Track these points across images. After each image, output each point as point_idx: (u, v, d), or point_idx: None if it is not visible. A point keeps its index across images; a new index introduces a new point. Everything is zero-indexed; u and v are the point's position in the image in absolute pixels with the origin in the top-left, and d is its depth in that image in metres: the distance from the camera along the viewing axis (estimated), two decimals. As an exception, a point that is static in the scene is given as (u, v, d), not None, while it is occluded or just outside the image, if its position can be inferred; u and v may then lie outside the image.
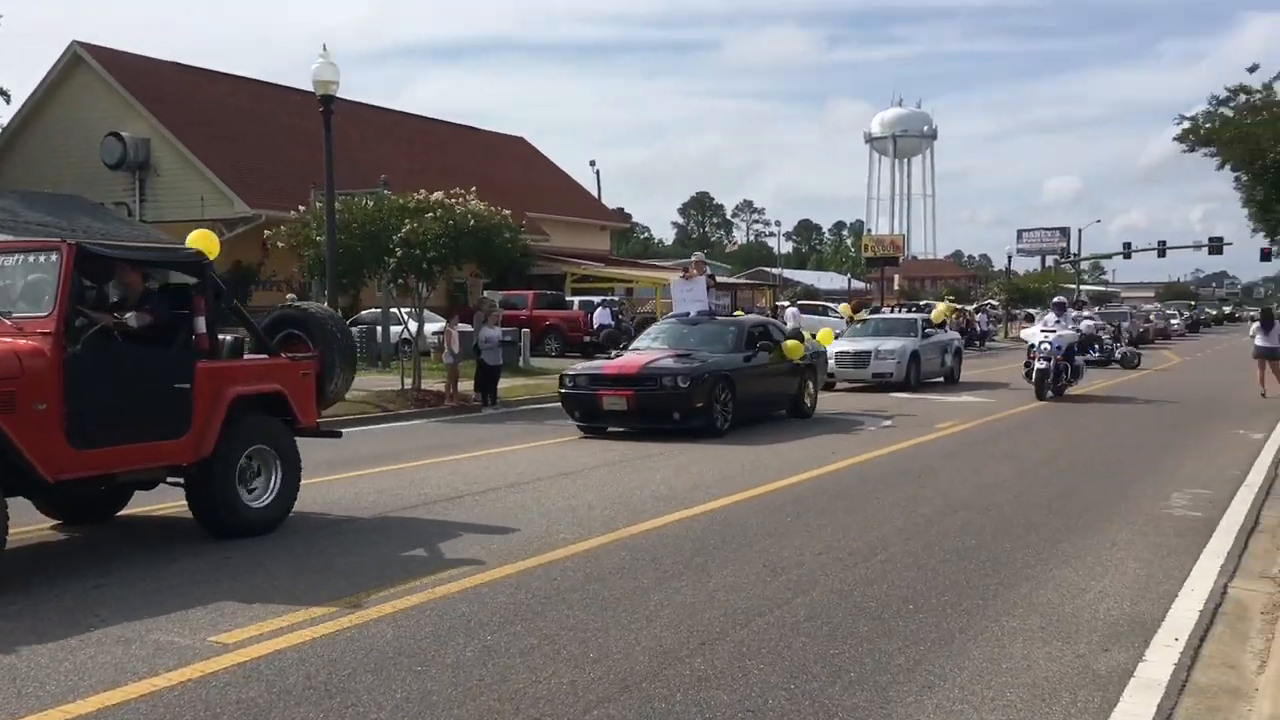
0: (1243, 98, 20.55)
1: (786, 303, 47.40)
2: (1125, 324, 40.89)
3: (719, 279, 62.62)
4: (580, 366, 16.27)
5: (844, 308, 35.72)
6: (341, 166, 31.13)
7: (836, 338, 24.01)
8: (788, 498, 10.01)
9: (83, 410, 7.16)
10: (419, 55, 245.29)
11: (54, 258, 7.37)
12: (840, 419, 17.24)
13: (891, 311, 53.81)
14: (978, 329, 48.36)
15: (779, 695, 4.98)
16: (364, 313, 31.29)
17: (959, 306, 51.36)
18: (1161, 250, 73.73)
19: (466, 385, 19.69)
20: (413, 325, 21.01)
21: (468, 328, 21.05)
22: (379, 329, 28.34)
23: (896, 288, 79.10)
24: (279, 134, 35.62)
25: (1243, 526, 8.80)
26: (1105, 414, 18.15)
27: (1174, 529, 8.69)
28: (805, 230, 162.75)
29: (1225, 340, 60.39)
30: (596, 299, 35.80)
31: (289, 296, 24.31)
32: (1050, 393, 19.52)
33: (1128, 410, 18.84)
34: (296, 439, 8.86)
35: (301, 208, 20.91)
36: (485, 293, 30.60)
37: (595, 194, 58.52)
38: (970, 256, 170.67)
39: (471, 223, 18.77)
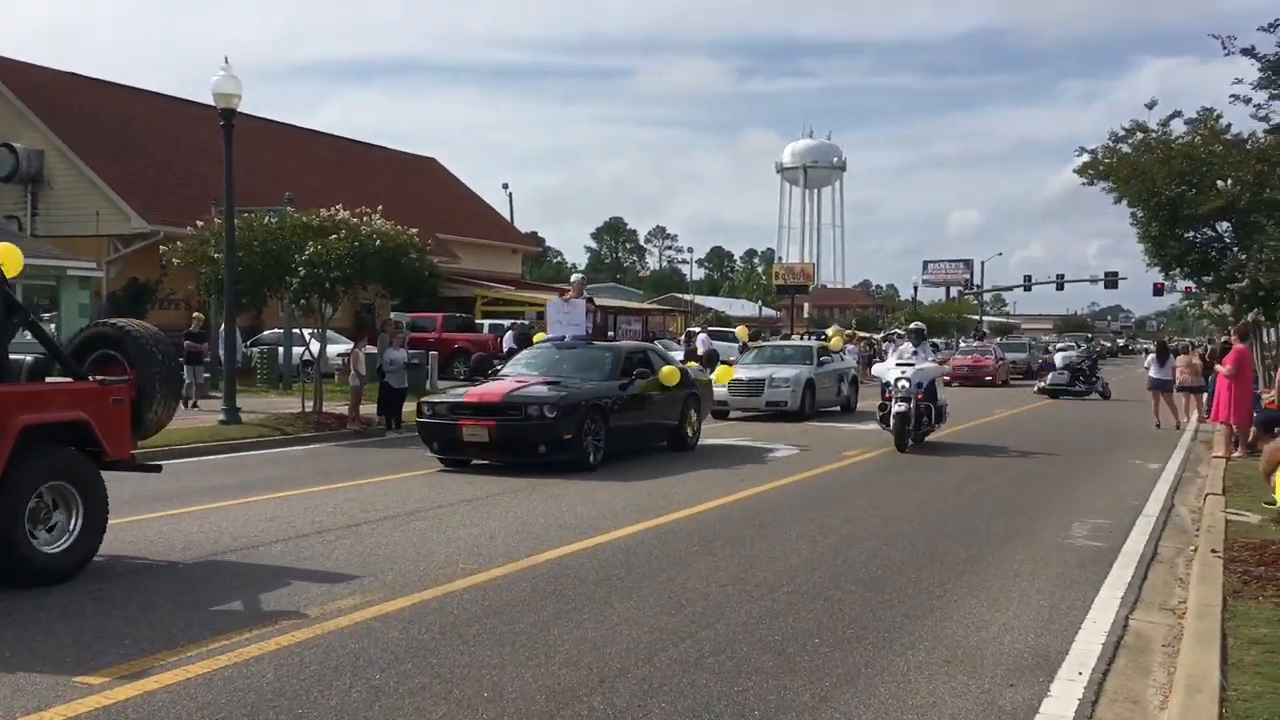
0: (1139, 135, 21.12)
1: (698, 328, 47.58)
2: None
3: (635, 304, 62.72)
4: (441, 394, 15.30)
5: (740, 330, 35.24)
6: (246, 183, 30.41)
7: (731, 363, 23.77)
8: (693, 526, 9.85)
9: None
10: (330, 74, 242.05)
11: None
12: (723, 451, 16.42)
13: (800, 339, 54.45)
14: (884, 358, 49.00)
15: (680, 736, 4.78)
16: (266, 333, 30.55)
17: (860, 334, 52.12)
18: (1060, 284, 75.99)
19: (371, 408, 19.24)
20: (315, 346, 20.48)
21: (374, 350, 20.62)
22: (281, 349, 27.65)
23: (806, 315, 79.94)
24: (181, 149, 34.66)
25: (1142, 556, 8.88)
26: (1008, 443, 18.39)
27: (1075, 559, 8.73)
28: (717, 257, 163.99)
29: (1121, 372, 62.22)
30: (507, 322, 35.47)
31: (195, 316, 23.53)
32: (910, 441, 16.19)
33: (1031, 438, 19.13)
34: (122, 472, 8.09)
35: (200, 223, 20.28)
36: (391, 314, 30.09)
37: (508, 217, 58.15)
38: (878, 286, 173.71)
39: (377, 242, 18.38)
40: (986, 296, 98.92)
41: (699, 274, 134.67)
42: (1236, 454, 15.29)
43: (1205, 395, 22.29)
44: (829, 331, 28.42)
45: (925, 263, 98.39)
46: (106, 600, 6.95)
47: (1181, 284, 31.08)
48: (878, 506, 11.19)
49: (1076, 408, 29.06)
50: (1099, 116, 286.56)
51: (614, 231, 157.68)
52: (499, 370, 16.02)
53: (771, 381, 22.38)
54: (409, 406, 17.82)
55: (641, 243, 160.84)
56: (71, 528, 7.56)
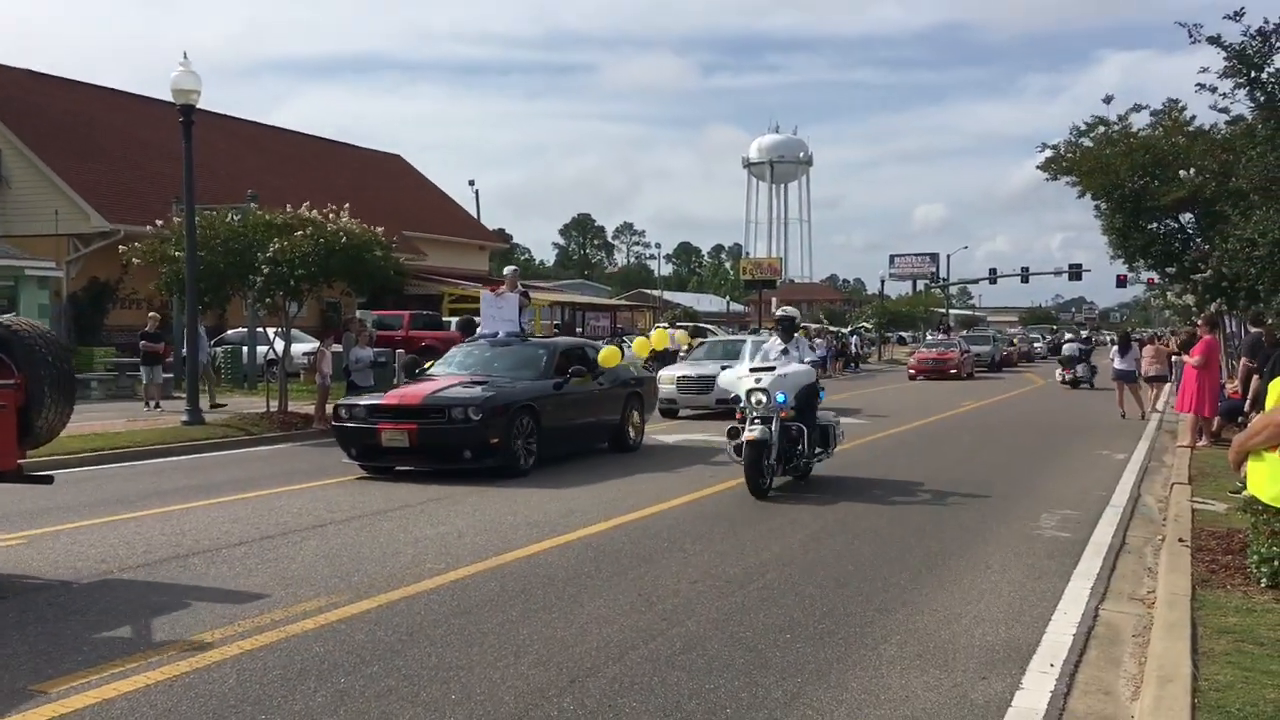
0: (1101, 129, 21.29)
1: (666, 324, 47.54)
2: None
3: (603, 301, 62.59)
4: (359, 396, 14.35)
5: (680, 335, 29.85)
6: (208, 181, 30.11)
7: (681, 358, 22.99)
8: (663, 523, 9.79)
9: None
10: (293, 71, 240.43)
11: None
12: (667, 451, 15.53)
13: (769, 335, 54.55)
14: (852, 351, 49.27)
15: (651, 736, 4.72)
16: (230, 332, 30.22)
17: (830, 328, 52.28)
18: (1025, 276, 76.44)
19: (336, 408, 19.05)
20: (279, 345, 20.25)
21: (340, 348, 20.41)
22: (245, 349, 27.36)
23: (774, 310, 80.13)
24: (141, 147, 34.24)
25: (1110, 546, 8.90)
26: (974, 432, 18.48)
27: (1045, 550, 8.74)
28: (685, 253, 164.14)
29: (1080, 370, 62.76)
30: (476, 319, 35.22)
31: (150, 315, 23.21)
32: (773, 479, 11.30)
33: (998, 431, 19.23)
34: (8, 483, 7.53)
35: (160, 222, 20.00)
36: (357, 312, 29.86)
37: (474, 214, 57.90)
38: (845, 280, 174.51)
39: (343, 240, 18.19)
40: (953, 290, 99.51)
41: (667, 269, 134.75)
42: (1201, 444, 15.42)
43: (1169, 385, 22.56)
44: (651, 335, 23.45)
45: (892, 256, 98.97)
46: (64, 606, 6.80)
47: (1145, 275, 31.40)
48: (846, 501, 11.17)
49: (1043, 400, 29.27)
50: (1062, 110, 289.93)
51: (581, 228, 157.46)
52: (426, 369, 15.04)
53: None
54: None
55: (609, 239, 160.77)
56: None
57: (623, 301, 73.02)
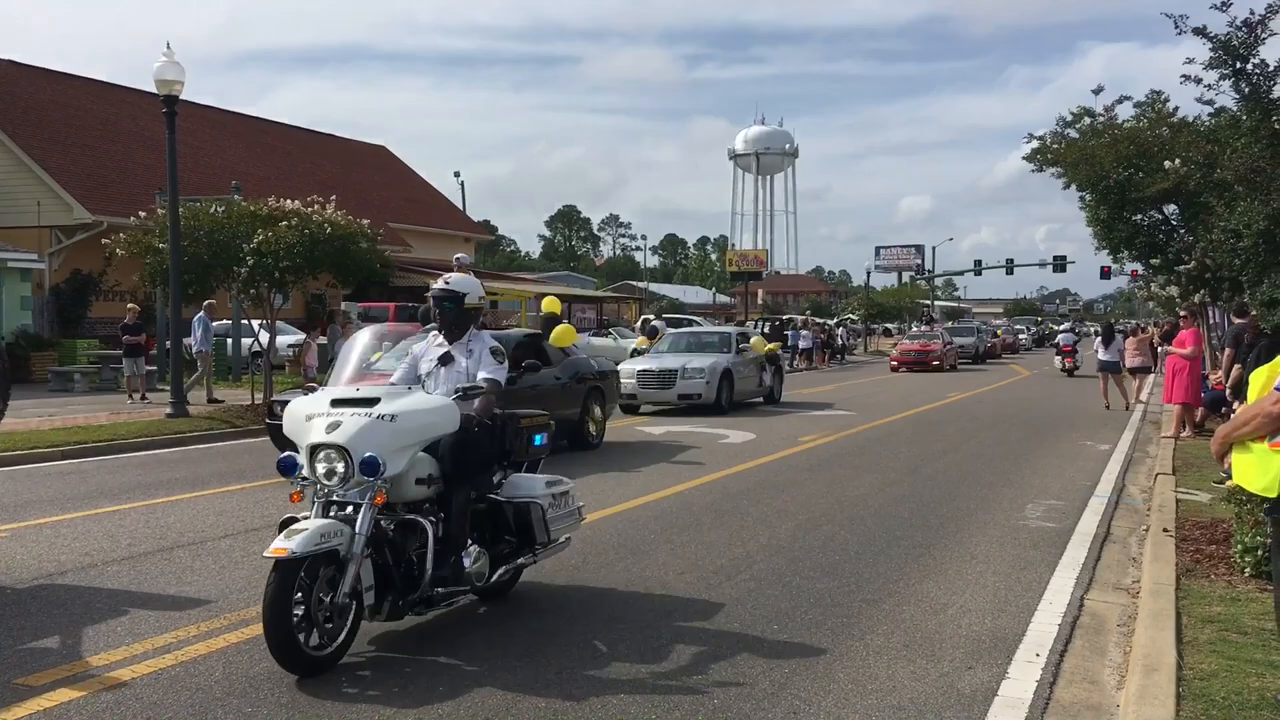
0: (1086, 120, 21.34)
1: (653, 316, 47.53)
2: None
3: (589, 293, 62.53)
4: (294, 391, 12.90)
5: (640, 341, 28.03)
6: (192, 172, 29.96)
7: (641, 353, 22.17)
8: (651, 514, 9.79)
9: None
10: (277, 62, 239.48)
11: None
12: (626, 450, 14.66)
13: (755, 327, 54.60)
14: (839, 342, 49.40)
15: (639, 727, 4.72)
16: (214, 324, 30.05)
17: (816, 320, 52.32)
18: (1010, 268, 76.72)
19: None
20: (264, 337, 20.17)
21: (326, 340, 20.35)
22: (230, 341, 27.23)
23: (760, 302, 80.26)
24: (124, 138, 34.01)
25: (1095, 537, 8.94)
26: (959, 424, 18.53)
27: (1030, 540, 8.77)
28: (671, 245, 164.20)
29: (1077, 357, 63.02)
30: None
31: (130, 307, 23.04)
32: (323, 642, 5.38)
33: (983, 422, 19.29)
34: None
35: (143, 214, 19.88)
36: (343, 304, 29.76)
37: (460, 206, 57.74)
38: (831, 272, 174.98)
39: (328, 231, 18.11)
40: (938, 281, 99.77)
41: (653, 261, 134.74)
42: (1185, 434, 15.50)
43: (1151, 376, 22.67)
44: (754, 339, 24.09)
45: (877, 248, 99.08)
46: (47, 599, 6.76)
47: (1129, 267, 31.56)
48: (833, 492, 11.19)
49: (1028, 391, 29.38)
50: (1046, 102, 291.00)
51: (567, 220, 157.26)
52: (374, 363, 14.87)
53: (684, 372, 20.51)
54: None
55: (595, 231, 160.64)
56: None
57: (609, 294, 72.96)
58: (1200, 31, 13.15)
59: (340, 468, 5.60)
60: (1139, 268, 27.86)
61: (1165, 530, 8.42)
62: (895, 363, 40.98)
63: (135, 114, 34.72)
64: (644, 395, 20.72)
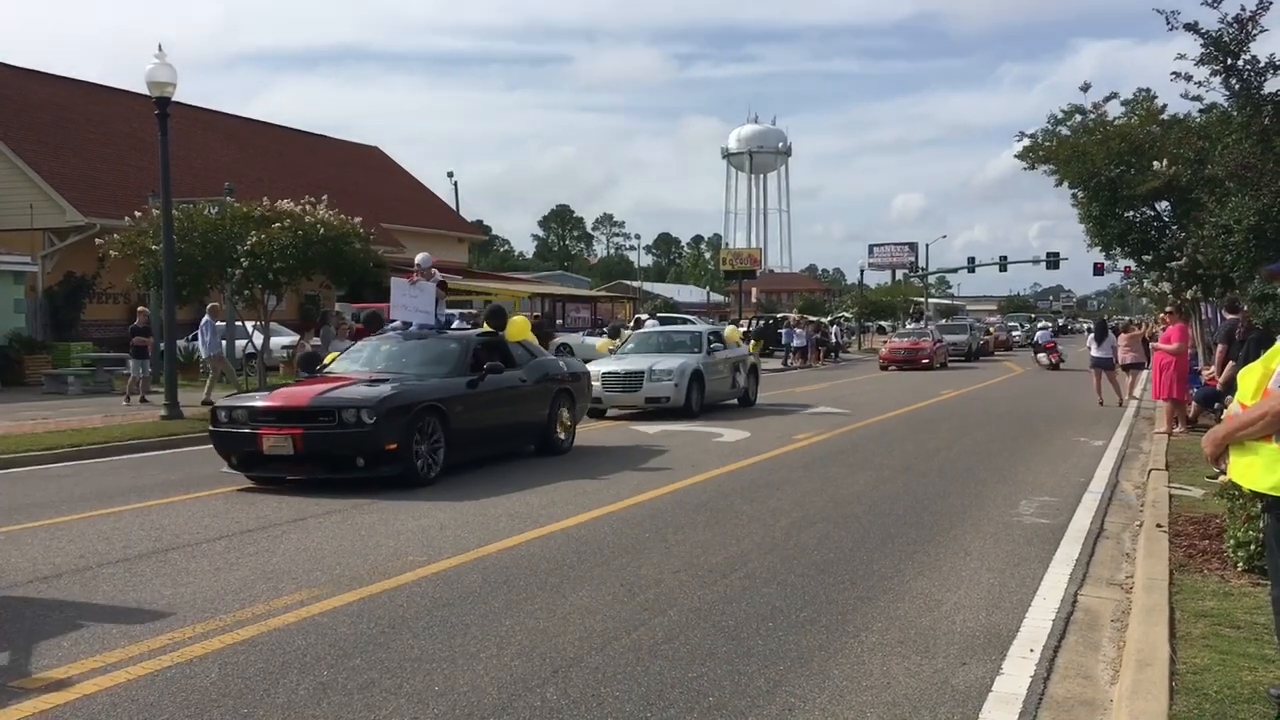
0: (1078, 118, 21.41)
1: (646, 315, 47.55)
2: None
3: (583, 292, 62.56)
4: (239, 395, 12.97)
5: (600, 344, 24.92)
6: (185, 174, 29.91)
7: (611, 352, 21.19)
8: (645, 513, 9.81)
9: None
10: (270, 63, 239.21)
11: None
12: (597, 455, 13.94)
13: (749, 326, 54.59)
14: (833, 340, 49.49)
15: (635, 725, 4.73)
16: (209, 326, 30.01)
17: (809, 318, 52.32)
18: (1003, 265, 76.64)
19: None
20: (258, 338, 20.16)
21: (320, 341, 20.32)
22: (223, 342, 27.17)
23: (754, 300, 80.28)
24: (117, 140, 33.97)
25: (1089, 532, 8.97)
26: (953, 423, 18.56)
27: (1024, 536, 8.80)
28: (665, 244, 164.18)
29: (1063, 351, 63.14)
30: (455, 312, 35.09)
31: (140, 310, 22.94)
32: None
33: (976, 419, 19.33)
34: None
35: (137, 214, 19.86)
36: (337, 305, 29.73)
37: (453, 206, 57.71)
38: (824, 270, 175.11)
39: (321, 232, 18.13)
40: (931, 279, 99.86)
41: (647, 261, 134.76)
42: (1178, 430, 15.54)
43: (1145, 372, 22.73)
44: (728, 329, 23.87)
45: (871, 246, 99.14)
46: (43, 603, 6.76)
47: (1122, 263, 31.62)
48: (828, 489, 11.22)
49: (1021, 388, 29.44)
50: (1039, 100, 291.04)
51: (561, 219, 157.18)
52: (326, 365, 13.67)
53: (651, 374, 19.35)
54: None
55: (589, 230, 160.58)
56: None
57: (603, 293, 72.96)
58: (1192, 28, 13.20)
59: None
60: (1132, 264, 27.93)
61: (1158, 526, 8.45)
62: (885, 361, 40.44)
63: (128, 116, 34.67)
64: (609, 399, 19.42)
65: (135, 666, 5.44)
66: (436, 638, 5.95)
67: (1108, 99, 21.08)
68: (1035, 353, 44.57)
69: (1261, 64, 13.14)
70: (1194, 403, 15.97)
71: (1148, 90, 21.17)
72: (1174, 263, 19.22)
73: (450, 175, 62.07)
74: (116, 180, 31.63)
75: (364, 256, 19.34)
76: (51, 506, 10.23)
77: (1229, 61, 13.19)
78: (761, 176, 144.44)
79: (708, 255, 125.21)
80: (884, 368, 39.65)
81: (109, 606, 6.63)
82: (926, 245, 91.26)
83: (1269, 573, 4.72)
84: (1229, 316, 14.57)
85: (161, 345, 20.20)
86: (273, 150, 42.55)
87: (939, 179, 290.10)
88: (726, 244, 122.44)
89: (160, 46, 17.44)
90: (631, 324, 40.71)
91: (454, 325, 15.01)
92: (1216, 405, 14.51)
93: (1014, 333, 71.73)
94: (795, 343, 42.93)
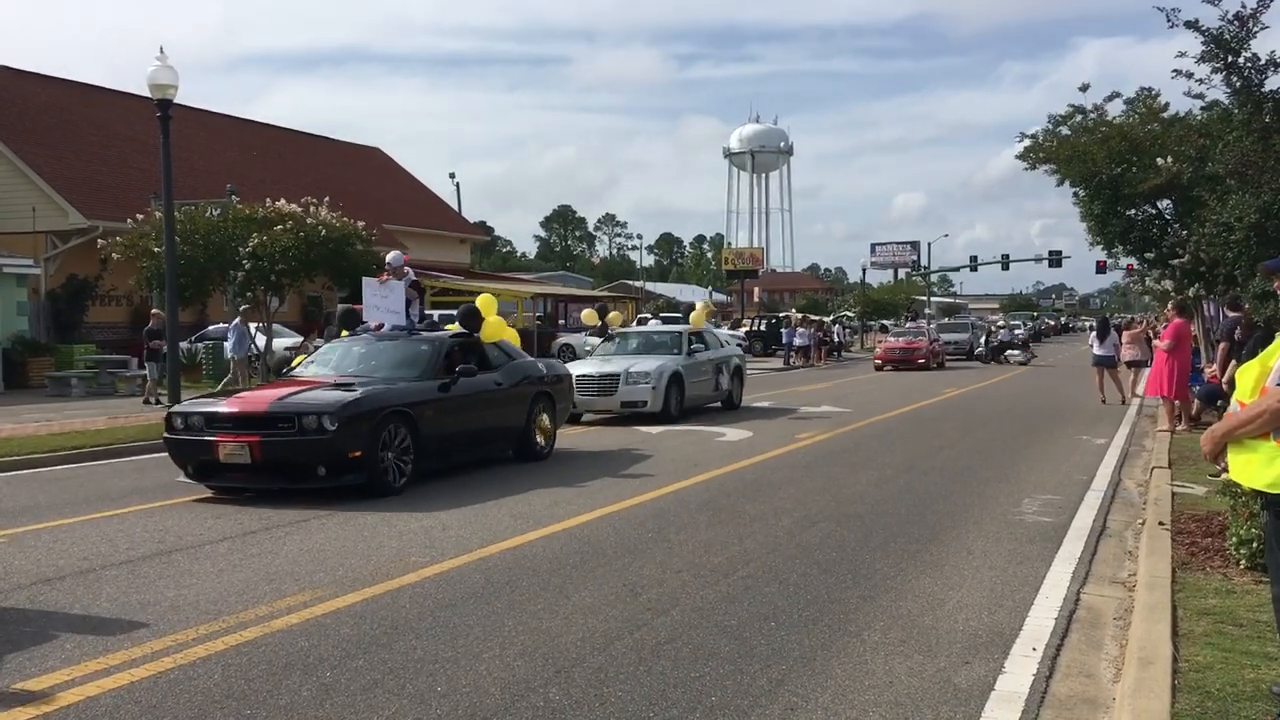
0: (1078, 117, 21.39)
1: (649, 315, 47.56)
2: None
3: (585, 292, 62.54)
4: (196, 401, 12.28)
5: (593, 320, 24.31)
6: (187, 176, 29.96)
7: (588, 353, 20.07)
8: (648, 513, 9.81)
9: None
10: (272, 65, 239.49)
11: None
12: (626, 449, 14.06)
13: (751, 325, 54.55)
14: (835, 339, 49.48)
15: (637, 725, 4.74)
16: (211, 327, 30.09)
17: (811, 317, 52.27)
18: (1005, 264, 76.62)
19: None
20: (261, 340, 20.18)
21: (324, 342, 20.30)
22: (226, 344, 27.21)
23: (757, 300, 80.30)
24: (119, 142, 34.01)
25: (1091, 530, 8.98)
26: (955, 420, 18.56)
27: (1026, 535, 8.80)
28: (667, 243, 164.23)
29: (1065, 349, 63.19)
30: (434, 313, 35.00)
31: (155, 313, 22.89)
32: None
33: (978, 417, 19.33)
34: None
35: (140, 216, 19.90)
36: (339, 307, 29.74)
37: (455, 207, 57.74)
38: (826, 269, 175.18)
39: (323, 233, 18.16)
40: (934, 277, 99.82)
41: (649, 260, 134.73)
42: (1180, 428, 15.54)
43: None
44: (696, 306, 23.19)
45: (873, 245, 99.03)
46: (46, 604, 6.77)
47: (1124, 261, 31.58)
48: (830, 488, 11.22)
49: (1021, 385, 29.43)
50: (1040, 98, 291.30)
51: (563, 219, 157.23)
52: (293, 369, 13.34)
53: (627, 377, 18.47)
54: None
55: (591, 230, 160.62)
56: None
57: (605, 293, 72.98)
58: (1192, 25, 13.19)
59: None
60: (1134, 262, 27.91)
61: (1161, 524, 8.45)
62: (880, 361, 38.98)
63: (130, 118, 34.71)
64: (584, 403, 18.19)
65: (138, 668, 5.45)
66: (439, 638, 5.96)
67: (1109, 99, 21.08)
68: (994, 357, 44.12)
69: (1262, 61, 13.12)
70: (1196, 400, 15.96)
71: (1149, 89, 21.17)
72: (1176, 261, 19.19)
73: (452, 176, 62.16)
74: (119, 182, 31.66)
75: (366, 258, 19.36)
76: (55, 509, 10.25)
77: (1230, 59, 13.17)
78: (763, 176, 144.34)
79: (710, 255, 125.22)
80: (879, 368, 38.28)
81: (112, 608, 6.65)
82: (928, 244, 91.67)
83: (1269, 570, 4.72)
84: (1231, 314, 14.56)
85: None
86: (274, 152, 42.59)
87: (940, 178, 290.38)
88: (729, 244, 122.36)
89: (162, 49, 17.46)
90: (634, 324, 40.63)
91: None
92: (1219, 402, 14.51)
93: (1016, 331, 71.64)
94: (797, 342, 42.93)
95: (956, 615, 6.43)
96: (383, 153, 54.07)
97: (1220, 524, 8.02)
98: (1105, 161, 19.82)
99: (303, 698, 5.06)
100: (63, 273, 30.00)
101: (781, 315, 54.76)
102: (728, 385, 21.22)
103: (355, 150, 51.30)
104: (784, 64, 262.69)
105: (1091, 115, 21.02)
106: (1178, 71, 14.01)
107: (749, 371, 24.36)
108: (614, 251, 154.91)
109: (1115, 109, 21.02)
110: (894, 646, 5.84)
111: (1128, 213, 20.88)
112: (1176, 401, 16.02)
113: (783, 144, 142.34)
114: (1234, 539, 7.12)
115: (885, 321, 73.82)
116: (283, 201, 18.71)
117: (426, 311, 15.09)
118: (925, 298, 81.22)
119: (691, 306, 24.53)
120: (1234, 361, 13.08)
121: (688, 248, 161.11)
